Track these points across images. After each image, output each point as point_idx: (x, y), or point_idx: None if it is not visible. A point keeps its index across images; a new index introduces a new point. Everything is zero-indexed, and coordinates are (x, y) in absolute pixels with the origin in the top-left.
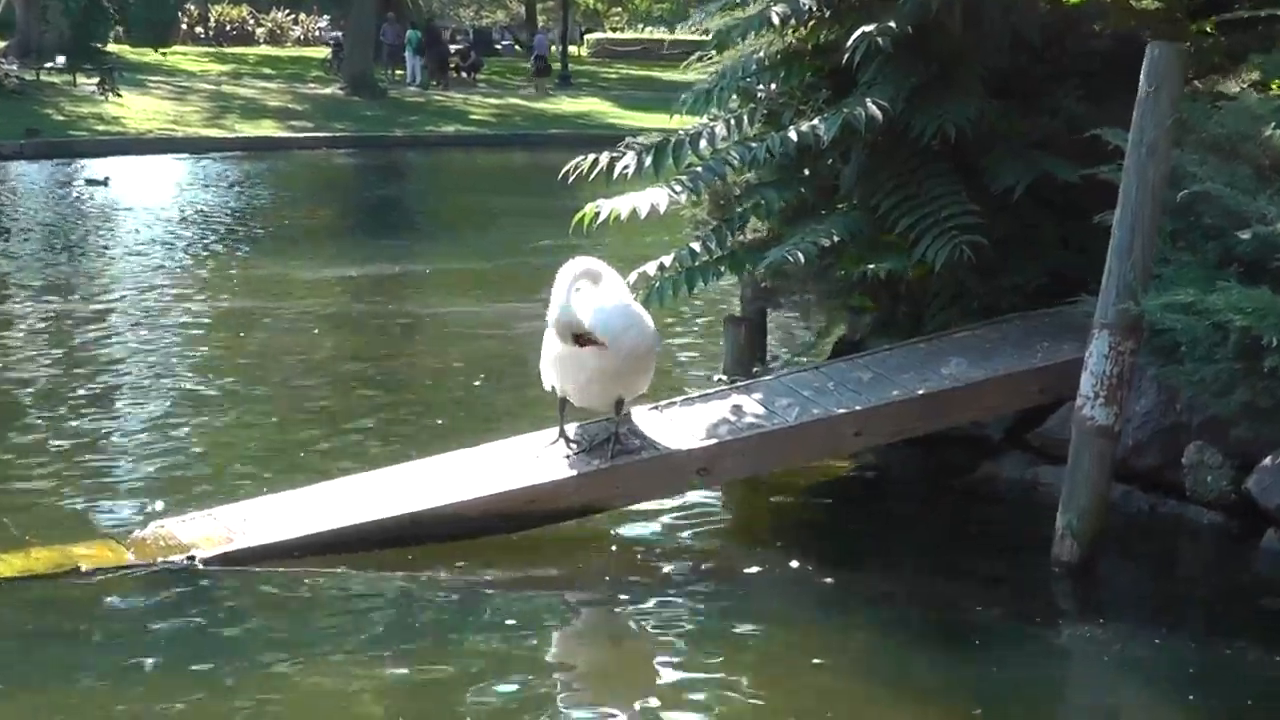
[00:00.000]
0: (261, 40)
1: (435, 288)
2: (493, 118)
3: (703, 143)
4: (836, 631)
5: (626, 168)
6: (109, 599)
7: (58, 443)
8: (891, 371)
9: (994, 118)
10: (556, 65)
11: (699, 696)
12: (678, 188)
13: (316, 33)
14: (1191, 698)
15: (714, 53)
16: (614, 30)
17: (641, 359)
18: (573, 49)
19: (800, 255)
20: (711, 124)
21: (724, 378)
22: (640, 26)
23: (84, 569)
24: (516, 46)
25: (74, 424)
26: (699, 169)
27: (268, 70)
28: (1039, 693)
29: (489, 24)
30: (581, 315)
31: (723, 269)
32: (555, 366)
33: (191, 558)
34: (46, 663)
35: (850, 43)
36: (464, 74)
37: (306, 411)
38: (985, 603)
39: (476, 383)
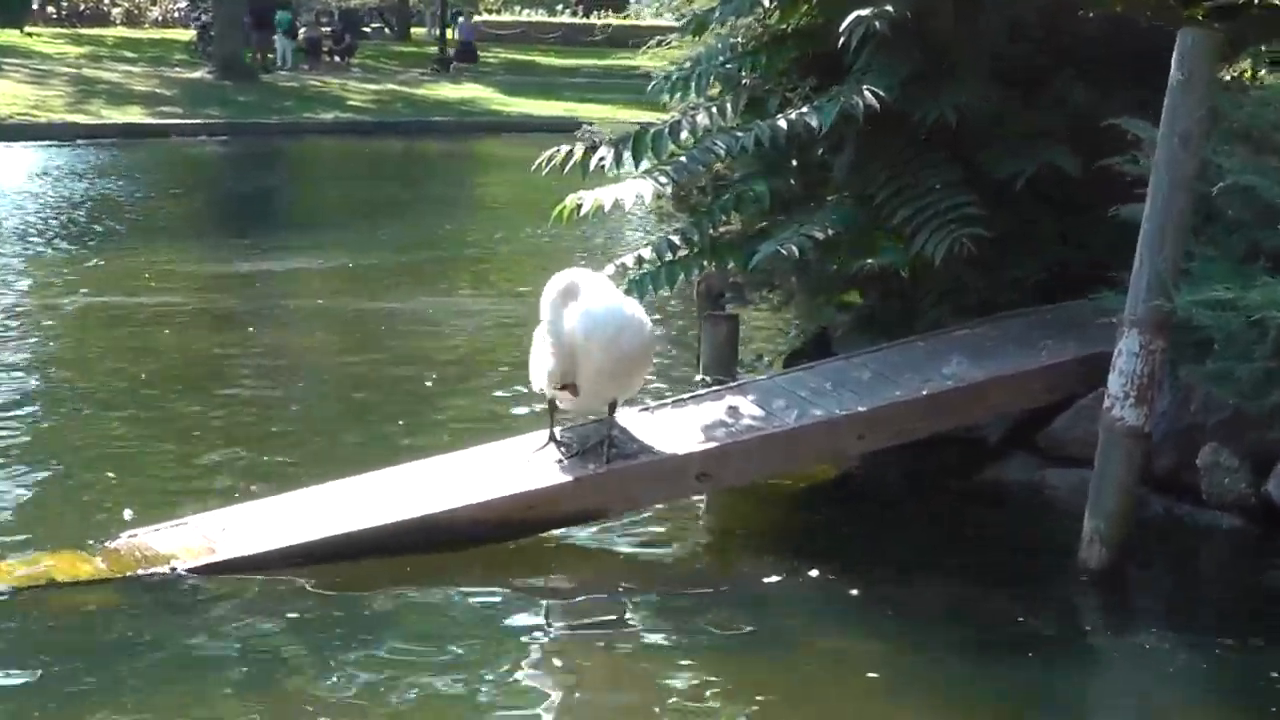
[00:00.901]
0: (118, 21)
1: (361, 282)
2: (372, 104)
3: (684, 132)
4: (860, 642)
5: (603, 159)
6: (90, 611)
7: None
8: (891, 371)
9: (993, 106)
10: (433, 49)
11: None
12: (662, 179)
13: (176, 14)
14: (1234, 707)
15: (677, 38)
16: (490, 12)
17: (638, 360)
18: (449, 33)
19: (795, 249)
20: (692, 112)
21: (706, 378)
22: (518, 9)
23: (59, 580)
24: (387, 30)
25: None
26: (683, 159)
27: (128, 53)
28: (1074, 703)
29: (358, 6)
30: (569, 324)
31: (705, 263)
32: (546, 369)
33: (174, 569)
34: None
35: (844, 26)
36: (337, 58)
37: (255, 415)
38: (1013, 612)
39: (429, 383)
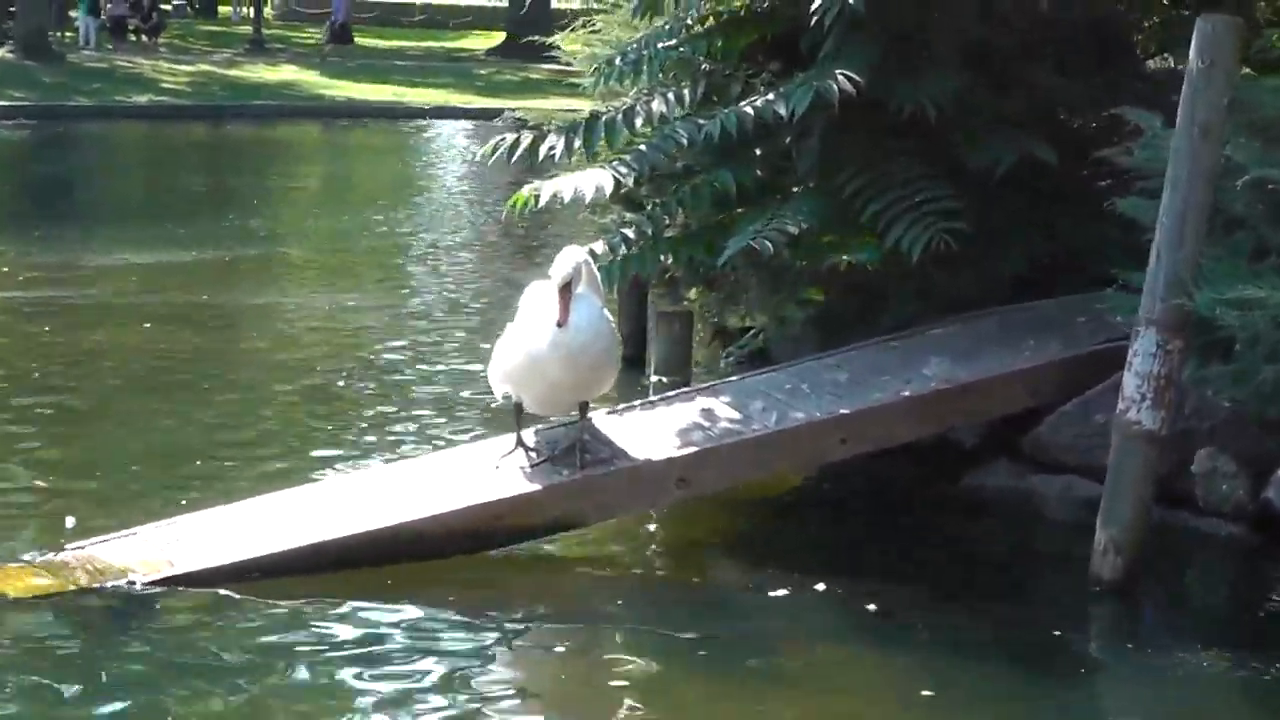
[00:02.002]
0: None
1: (230, 277)
2: (188, 86)
3: (638, 119)
4: (854, 655)
5: (553, 149)
6: (45, 627)
7: None
8: (867, 373)
9: (969, 93)
10: (246, 29)
11: None
12: (622, 169)
13: None
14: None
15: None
16: None
17: (604, 370)
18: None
19: (768, 244)
20: (645, 98)
21: (662, 379)
22: None
23: (11, 595)
24: (190, 8)
25: None
26: (642, 148)
27: None
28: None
29: None
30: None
31: (662, 258)
32: (512, 375)
33: (132, 583)
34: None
35: (816, 7)
36: (144, 37)
37: (179, 417)
38: (1024, 626)
39: (340, 382)
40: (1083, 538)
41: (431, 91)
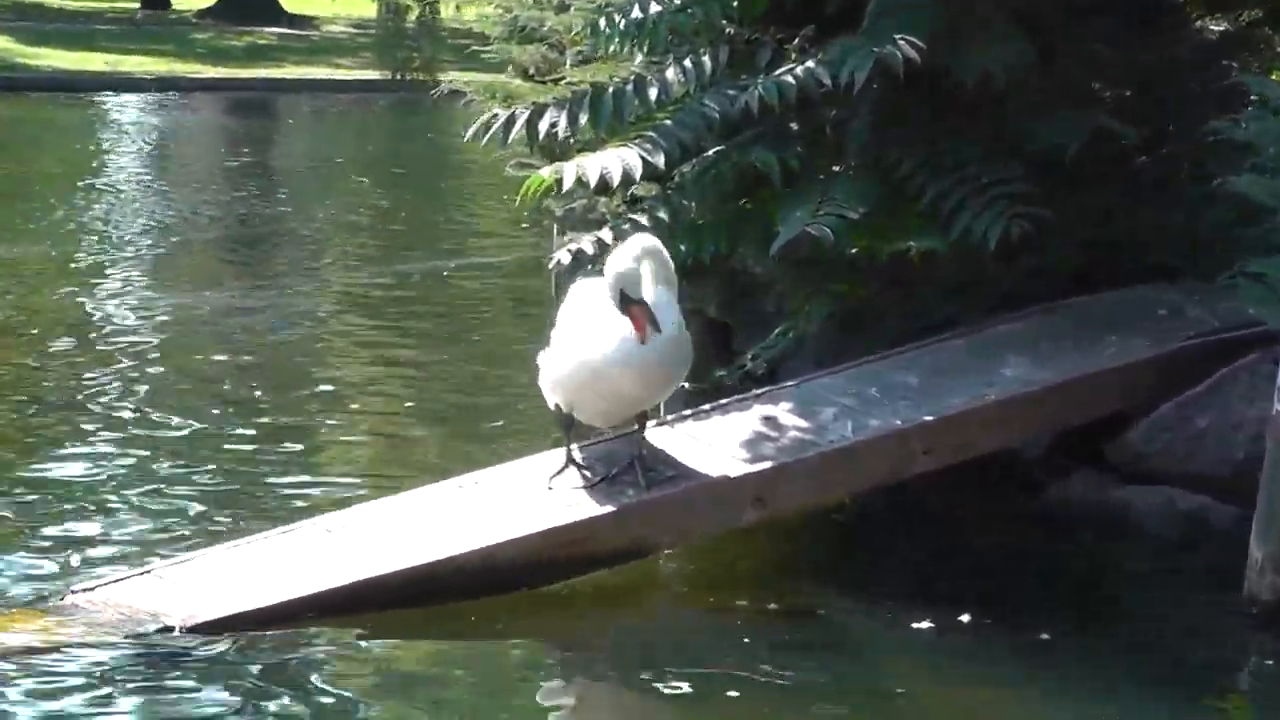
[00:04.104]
0: None
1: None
2: None
3: (652, 90)
4: (983, 695)
5: (554, 125)
6: (72, 678)
7: None
8: (939, 375)
9: (1031, 64)
10: None
11: None
12: (648, 147)
13: None
14: None
15: None
16: None
17: (679, 379)
18: None
19: (828, 230)
20: (658, 67)
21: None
22: None
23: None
24: None
25: None
26: (668, 123)
27: None
28: None
29: None
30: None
31: (683, 248)
32: (569, 386)
33: (169, 627)
34: None
35: None
36: None
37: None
38: (1160, 653)
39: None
40: (1191, 557)
41: (152, 60)
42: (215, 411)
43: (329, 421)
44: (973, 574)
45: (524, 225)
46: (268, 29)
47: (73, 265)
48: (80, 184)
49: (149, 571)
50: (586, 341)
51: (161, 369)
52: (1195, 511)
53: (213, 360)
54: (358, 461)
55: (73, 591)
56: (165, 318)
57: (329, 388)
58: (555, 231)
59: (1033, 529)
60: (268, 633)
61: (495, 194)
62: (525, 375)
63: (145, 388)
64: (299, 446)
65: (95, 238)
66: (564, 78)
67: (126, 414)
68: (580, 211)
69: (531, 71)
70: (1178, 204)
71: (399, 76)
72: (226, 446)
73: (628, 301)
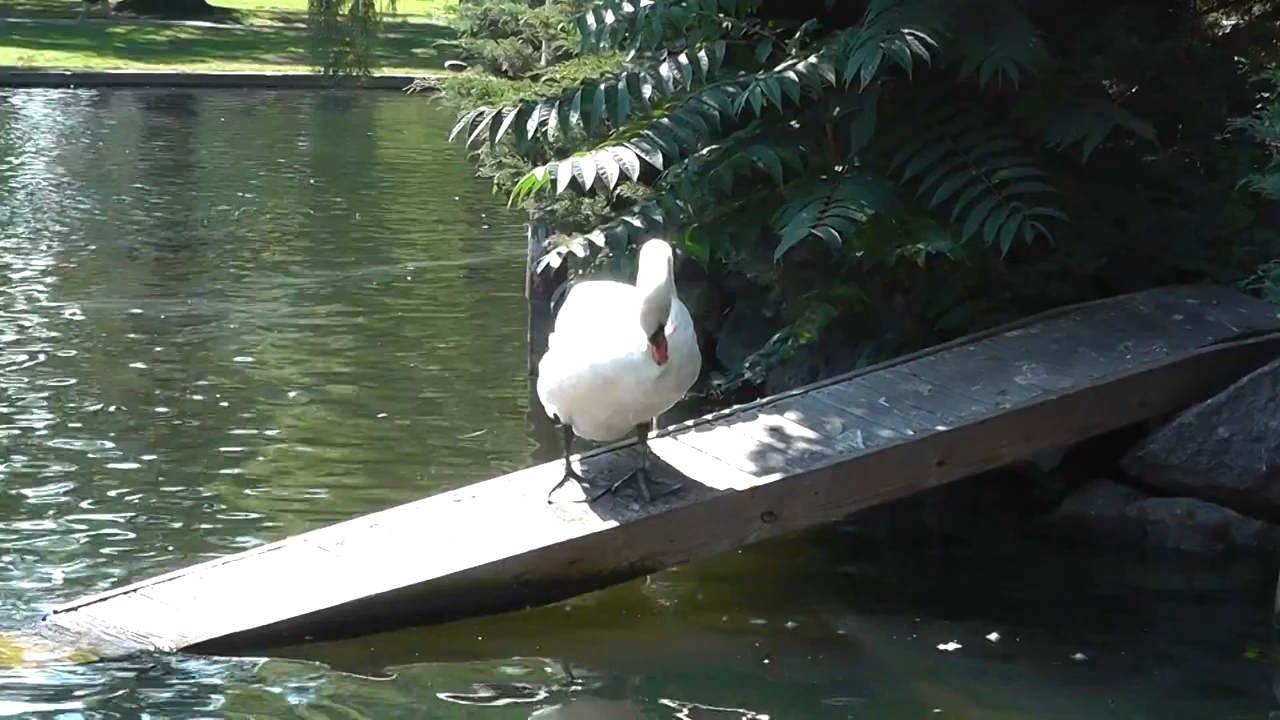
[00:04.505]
0: None
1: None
2: None
3: (647, 88)
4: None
5: (544, 124)
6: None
7: None
8: (951, 382)
9: (1044, 58)
10: None
11: None
12: (646, 146)
13: None
14: None
15: None
16: None
17: (686, 388)
18: None
19: (835, 233)
20: (654, 63)
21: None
22: None
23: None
24: None
25: None
26: (665, 121)
27: None
28: None
29: None
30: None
31: (678, 252)
32: (572, 395)
33: (161, 650)
34: None
35: None
36: None
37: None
38: (1193, 673)
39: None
40: (1216, 573)
41: (67, 55)
42: (169, 426)
43: (297, 435)
44: (993, 592)
45: (485, 226)
46: (190, 23)
47: None
48: None
49: (135, 590)
50: (596, 347)
51: (90, 381)
52: (1218, 525)
53: (156, 372)
54: (333, 475)
55: (55, 612)
56: (133, 326)
57: (295, 398)
58: (530, 234)
59: (1049, 544)
60: (263, 654)
61: (444, 193)
62: (501, 385)
63: (79, 400)
64: (269, 461)
65: (5, 240)
66: (544, 74)
67: (70, 425)
68: (562, 214)
69: (505, 67)
70: (1193, 204)
71: (331, 72)
72: (185, 461)
73: (656, 335)
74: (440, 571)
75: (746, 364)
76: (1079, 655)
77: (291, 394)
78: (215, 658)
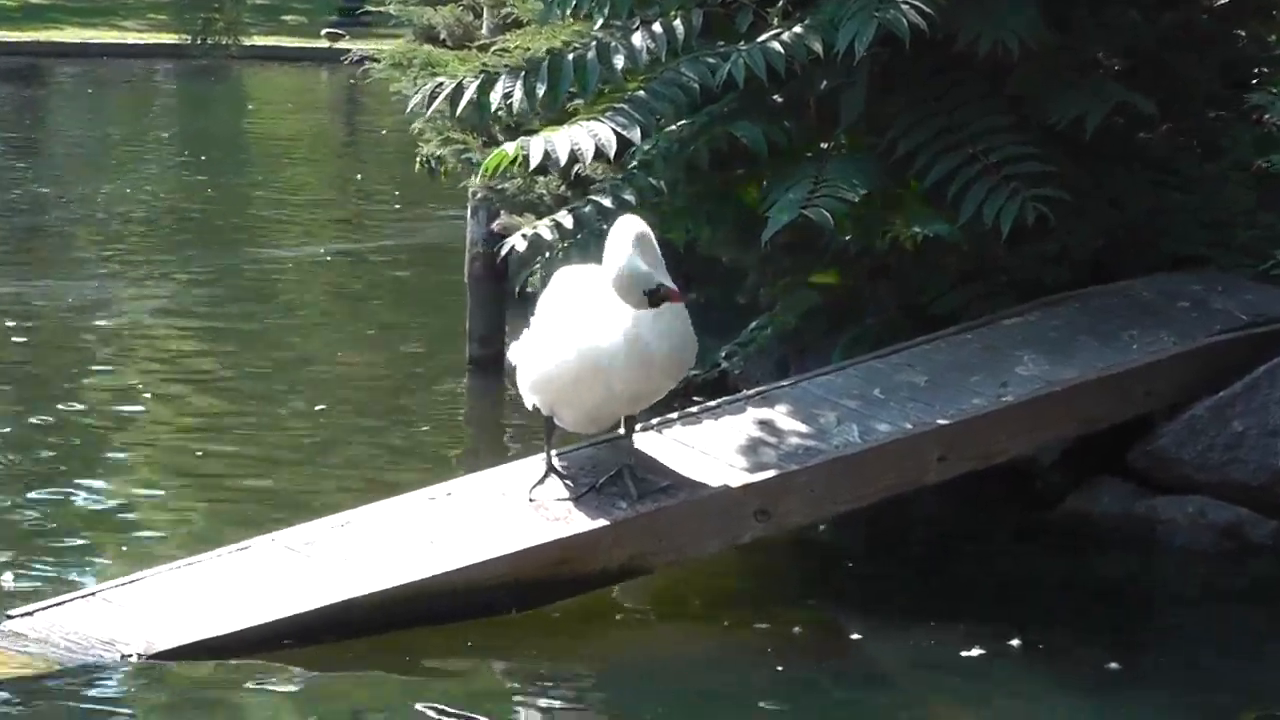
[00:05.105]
0: None
1: None
2: None
3: (619, 58)
4: None
5: (508, 96)
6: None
7: None
8: (948, 372)
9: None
10: None
11: None
12: (623, 120)
13: None
14: None
15: None
16: None
17: (681, 374)
18: None
19: (827, 214)
20: (624, 32)
21: None
22: None
23: None
24: None
25: None
26: (642, 94)
27: None
28: None
29: None
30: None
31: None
32: (558, 384)
33: (126, 655)
34: None
35: None
36: None
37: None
38: (1236, 681)
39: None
40: (1231, 574)
41: None
42: (73, 423)
43: (236, 429)
44: (1001, 595)
45: (396, 206)
46: None
47: None
48: None
49: (95, 594)
50: (584, 331)
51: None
52: (1231, 524)
53: (62, 359)
54: (282, 471)
55: (9, 617)
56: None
57: (210, 392)
58: (470, 215)
59: (1052, 543)
60: (237, 659)
61: (341, 170)
62: (439, 376)
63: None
64: (199, 459)
65: None
66: (492, 45)
67: None
68: (512, 194)
69: (443, 36)
70: (1190, 185)
71: (200, 40)
72: (94, 463)
73: (654, 293)
74: (421, 574)
75: (723, 353)
76: (1113, 664)
77: (203, 388)
78: (187, 664)
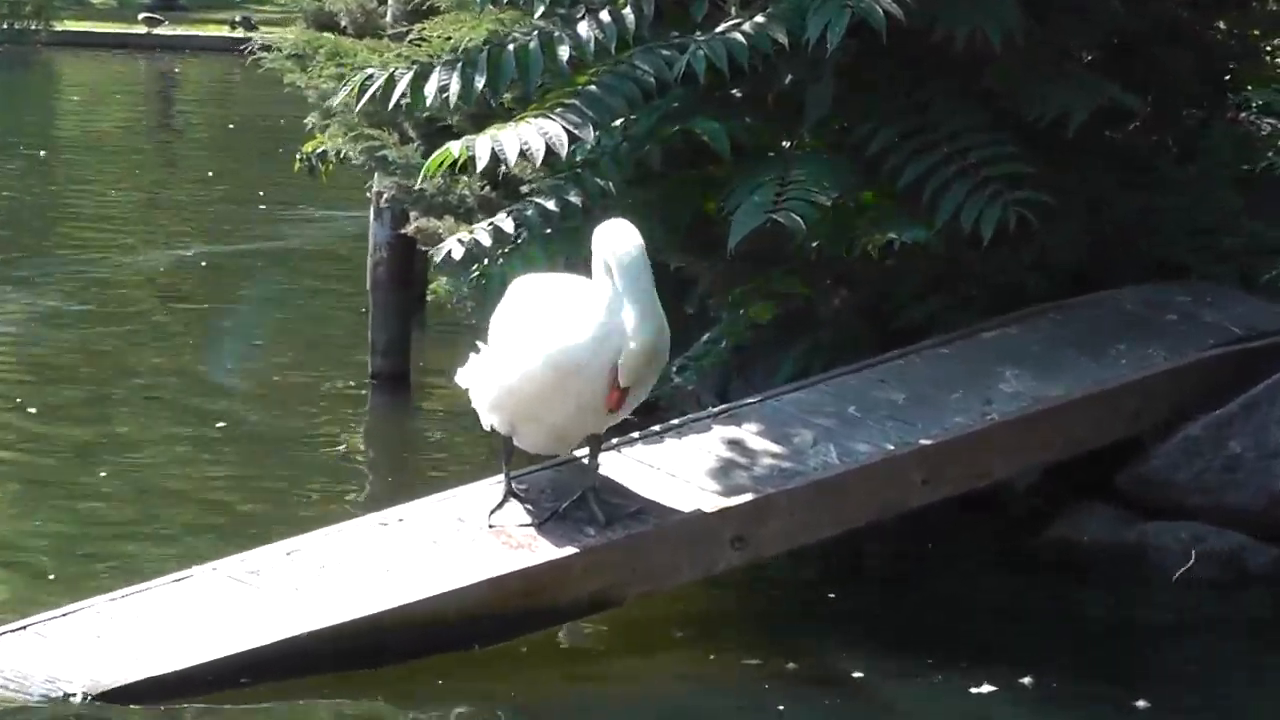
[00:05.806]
0: None
1: None
2: None
3: (563, 49)
4: None
5: (444, 89)
6: None
7: None
8: (927, 389)
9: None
10: None
11: None
12: (574, 117)
13: None
14: None
15: None
16: None
17: (650, 385)
18: None
19: (798, 219)
20: (570, 20)
21: None
22: None
23: None
24: None
25: None
26: (593, 89)
27: None
28: None
29: None
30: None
31: None
32: (519, 399)
33: (67, 695)
34: None
35: None
36: None
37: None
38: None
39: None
40: (1228, 604)
41: None
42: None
43: (152, 447)
44: (999, 629)
45: (262, 207)
46: None
47: None
48: None
49: (25, 627)
50: (548, 338)
51: None
52: (1230, 551)
53: None
54: (211, 494)
55: None
56: None
57: (109, 410)
58: (374, 217)
59: (1037, 573)
60: (187, 700)
61: (198, 167)
62: (341, 392)
63: None
64: (112, 479)
65: None
66: (407, 32)
67: None
68: (432, 194)
69: (344, 24)
70: (1171, 189)
71: (5, 25)
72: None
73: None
74: (377, 607)
75: (675, 368)
76: (1144, 703)
77: (82, 406)
78: (135, 706)
